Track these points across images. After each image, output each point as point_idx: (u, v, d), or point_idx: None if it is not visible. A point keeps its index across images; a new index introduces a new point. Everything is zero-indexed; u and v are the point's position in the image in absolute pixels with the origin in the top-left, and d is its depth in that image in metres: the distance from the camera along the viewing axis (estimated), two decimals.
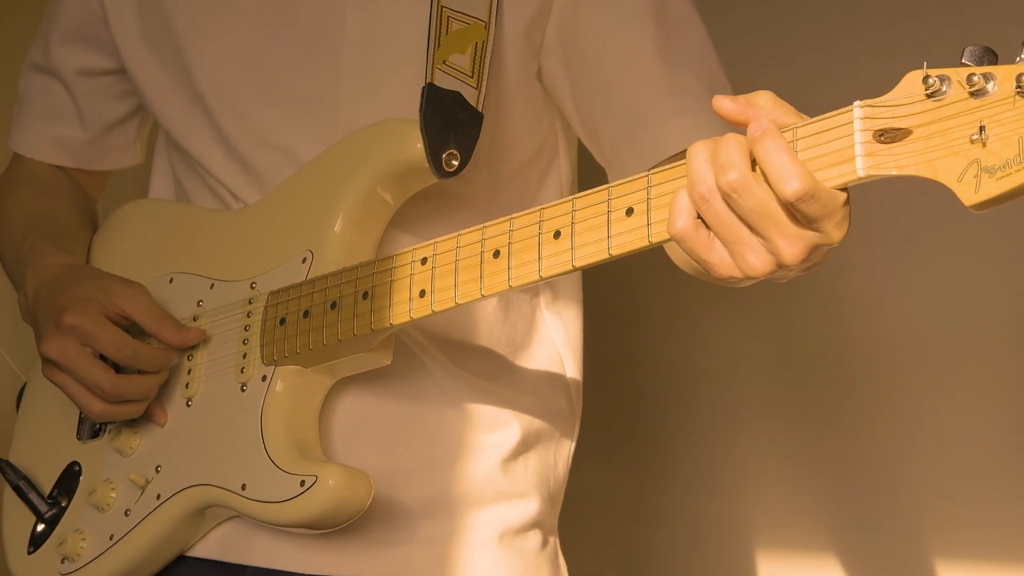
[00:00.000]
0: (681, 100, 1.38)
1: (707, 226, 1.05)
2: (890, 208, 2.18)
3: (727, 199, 1.02)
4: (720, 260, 1.07)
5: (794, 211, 1.00)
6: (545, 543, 1.51)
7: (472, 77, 1.35)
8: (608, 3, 1.40)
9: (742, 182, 1.01)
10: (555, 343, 1.55)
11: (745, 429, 2.39)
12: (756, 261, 1.05)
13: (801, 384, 2.35)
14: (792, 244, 1.03)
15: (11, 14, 2.41)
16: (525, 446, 1.50)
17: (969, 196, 0.93)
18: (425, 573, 1.43)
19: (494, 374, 1.49)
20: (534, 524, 1.49)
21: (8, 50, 2.16)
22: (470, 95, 1.35)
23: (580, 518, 1.58)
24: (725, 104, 1.04)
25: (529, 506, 1.49)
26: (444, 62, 1.35)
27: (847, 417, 2.29)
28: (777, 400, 2.37)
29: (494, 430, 1.48)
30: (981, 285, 2.18)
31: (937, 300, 2.22)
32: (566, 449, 1.55)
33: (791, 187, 0.99)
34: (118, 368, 1.42)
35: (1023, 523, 2.11)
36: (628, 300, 2.50)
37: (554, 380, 1.54)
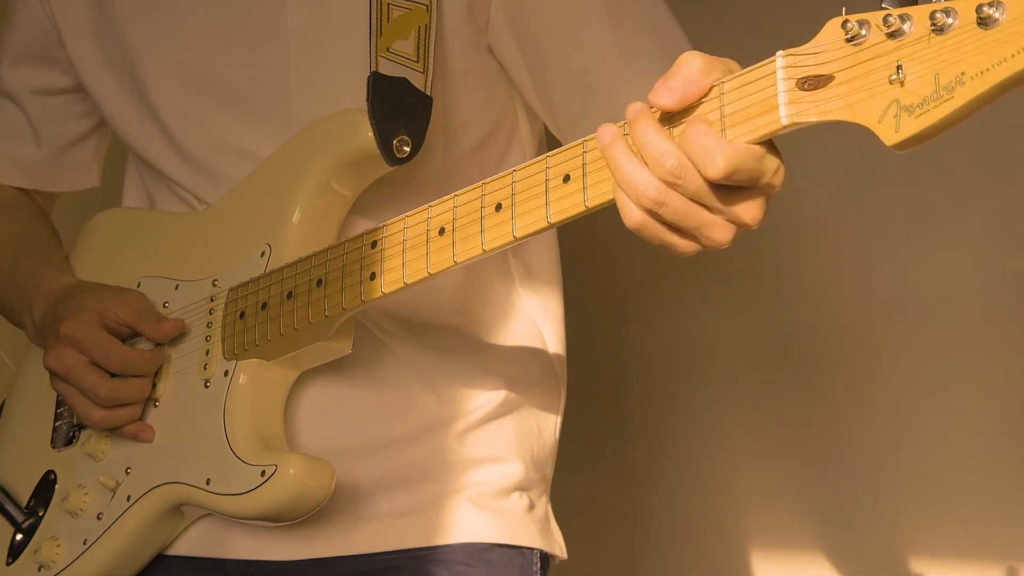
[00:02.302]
0: (633, 63, 1.36)
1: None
2: (882, 200, 2.18)
3: (675, 188, 1.01)
4: (682, 241, 1.06)
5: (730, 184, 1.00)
6: (532, 506, 1.50)
7: (417, 62, 1.36)
8: None
9: (682, 166, 1.00)
10: (533, 318, 1.55)
11: (733, 428, 2.38)
12: (720, 235, 1.04)
13: (789, 380, 2.34)
14: (749, 208, 1.03)
15: None
16: (501, 411, 1.49)
17: (889, 136, 0.93)
18: (406, 542, 1.43)
19: (465, 350, 1.49)
20: (515, 487, 1.49)
21: None
22: (417, 80, 1.35)
23: (567, 523, 1.57)
24: (664, 102, 1.03)
25: (507, 468, 1.48)
26: (388, 49, 1.35)
27: (837, 413, 2.28)
28: (766, 397, 2.36)
29: (466, 400, 1.48)
30: (969, 276, 2.17)
31: (927, 293, 2.21)
32: (552, 418, 1.55)
33: (716, 168, 0.99)
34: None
35: (1015, 520, 2.10)
36: (612, 301, 2.49)
37: (533, 350, 1.54)
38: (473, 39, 1.43)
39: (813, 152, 2.28)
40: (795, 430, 2.32)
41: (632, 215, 1.04)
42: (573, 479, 1.62)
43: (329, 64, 1.41)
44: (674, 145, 1.01)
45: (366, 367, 1.43)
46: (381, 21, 1.35)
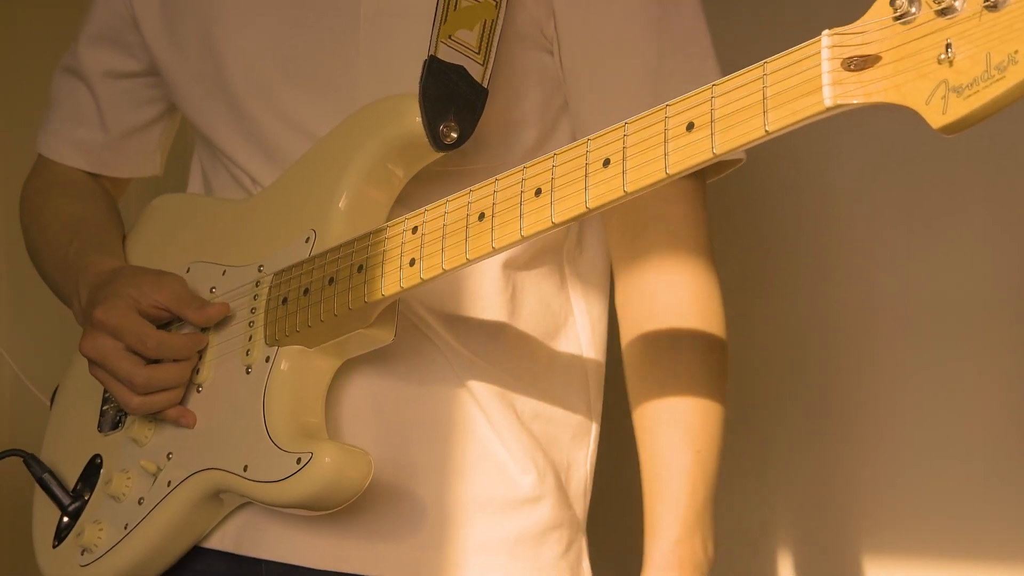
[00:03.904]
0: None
1: None
2: (883, 202, 2.15)
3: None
4: None
5: None
6: (568, 548, 1.45)
7: (479, 54, 1.33)
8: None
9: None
10: (580, 341, 1.50)
11: (733, 427, 2.35)
12: None
13: (787, 381, 2.29)
14: None
15: (15, 20, 2.43)
16: (539, 447, 1.45)
17: (936, 118, 0.88)
18: None
19: (516, 370, 1.45)
20: (554, 527, 1.44)
21: (12, 56, 2.18)
22: (475, 71, 1.32)
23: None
24: None
25: (547, 510, 1.43)
26: (450, 36, 1.33)
27: (836, 414, 2.23)
28: (763, 397, 2.30)
29: (509, 429, 1.43)
30: (970, 278, 2.12)
31: (928, 295, 2.16)
32: (584, 448, 1.50)
33: None
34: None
35: (1015, 520, 2.05)
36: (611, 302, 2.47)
37: (572, 379, 1.49)
38: (537, 41, 1.40)
39: (813, 153, 2.24)
40: (793, 430, 2.27)
41: None
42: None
43: (397, 51, 1.39)
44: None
45: (405, 364, 1.40)
46: (448, 9, 1.33)
